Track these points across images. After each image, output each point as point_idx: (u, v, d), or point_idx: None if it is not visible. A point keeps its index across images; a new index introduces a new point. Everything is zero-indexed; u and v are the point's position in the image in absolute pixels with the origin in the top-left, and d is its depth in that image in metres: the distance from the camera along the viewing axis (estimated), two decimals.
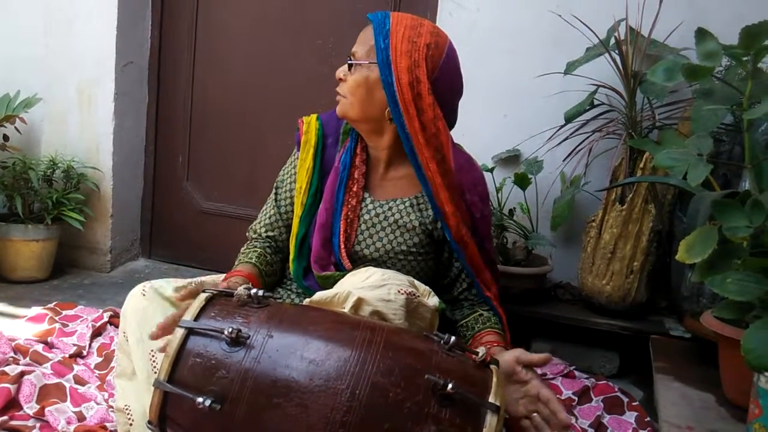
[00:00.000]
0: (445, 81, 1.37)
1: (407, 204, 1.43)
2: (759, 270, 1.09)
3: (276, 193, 1.52)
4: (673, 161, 1.14)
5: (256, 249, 1.47)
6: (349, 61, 1.37)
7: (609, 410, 1.68)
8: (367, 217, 1.43)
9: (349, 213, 1.41)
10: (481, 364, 1.06)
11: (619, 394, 1.74)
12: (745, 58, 1.10)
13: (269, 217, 1.52)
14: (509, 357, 1.21)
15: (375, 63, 1.34)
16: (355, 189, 1.43)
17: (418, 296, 1.22)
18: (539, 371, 1.83)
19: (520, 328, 1.97)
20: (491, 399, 0.98)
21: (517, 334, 1.96)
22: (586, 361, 1.93)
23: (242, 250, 1.50)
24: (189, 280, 1.34)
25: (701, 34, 1.15)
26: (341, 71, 1.39)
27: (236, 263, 1.46)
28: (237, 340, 0.99)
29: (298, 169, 1.47)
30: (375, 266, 1.39)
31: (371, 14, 1.40)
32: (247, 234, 1.55)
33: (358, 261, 1.42)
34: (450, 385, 0.94)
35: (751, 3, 1.86)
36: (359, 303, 1.16)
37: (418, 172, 1.39)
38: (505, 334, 1.44)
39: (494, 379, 1.02)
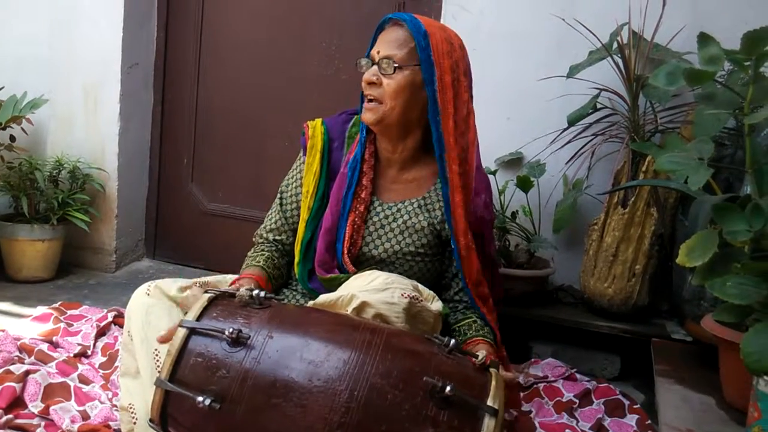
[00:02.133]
0: (471, 79, 1.43)
1: (415, 205, 1.44)
2: (759, 274, 1.09)
3: (281, 198, 1.53)
4: (674, 165, 1.15)
5: (263, 252, 1.48)
6: (395, 65, 1.34)
7: (610, 413, 1.68)
8: (375, 219, 1.44)
9: (356, 219, 1.42)
10: (480, 367, 1.06)
11: (620, 396, 1.74)
12: (746, 63, 1.11)
13: (275, 222, 1.53)
14: None
15: (418, 65, 1.35)
16: (363, 195, 1.44)
17: (422, 300, 1.23)
18: (541, 374, 1.84)
19: (522, 330, 1.97)
20: (489, 402, 0.98)
21: (519, 336, 1.97)
22: (588, 363, 1.93)
23: (249, 254, 1.51)
24: (193, 280, 1.35)
25: (704, 39, 1.16)
26: (372, 74, 1.36)
27: (244, 267, 1.46)
28: (238, 341, 1.00)
29: (305, 173, 1.48)
30: (383, 267, 1.40)
31: (394, 15, 1.40)
32: (253, 239, 1.56)
33: (366, 262, 1.43)
34: (448, 388, 0.95)
35: (754, 7, 1.86)
36: (363, 306, 1.17)
37: (441, 172, 1.40)
38: (497, 344, 1.44)
39: (493, 383, 1.02)
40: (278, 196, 1.54)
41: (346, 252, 1.40)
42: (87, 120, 2.50)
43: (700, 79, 1.09)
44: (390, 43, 1.36)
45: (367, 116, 1.38)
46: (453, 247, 1.42)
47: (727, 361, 1.34)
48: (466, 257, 1.41)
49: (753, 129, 1.51)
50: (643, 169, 1.82)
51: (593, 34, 1.89)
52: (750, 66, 1.08)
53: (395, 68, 1.34)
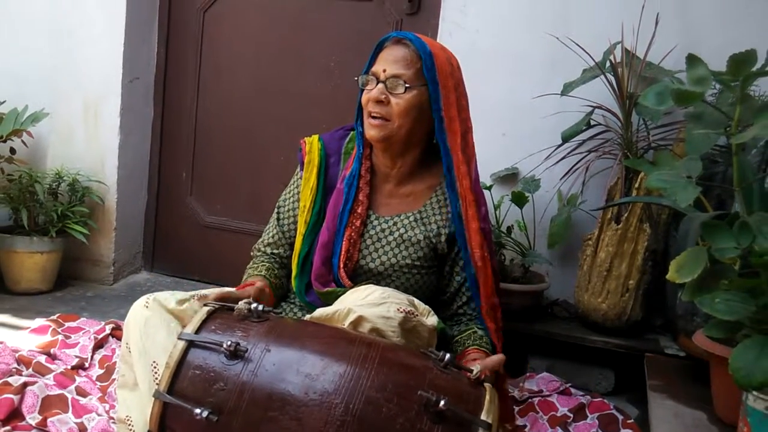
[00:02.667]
0: (467, 97, 1.47)
1: (411, 219, 1.46)
2: (747, 290, 1.11)
3: (279, 213, 1.56)
4: (664, 183, 1.17)
5: (264, 263, 1.50)
6: (405, 85, 1.36)
7: (604, 428, 1.69)
8: (372, 232, 1.46)
9: (353, 234, 1.44)
10: (475, 381, 1.08)
11: (614, 411, 1.75)
12: (733, 84, 1.13)
13: (272, 236, 1.55)
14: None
15: (424, 85, 1.38)
16: (359, 210, 1.46)
17: (417, 315, 1.24)
18: (536, 388, 1.85)
19: (517, 344, 1.99)
20: (483, 416, 1.00)
21: (515, 350, 1.97)
22: (582, 378, 1.95)
23: (249, 266, 1.52)
24: (192, 293, 1.36)
25: (692, 60, 1.19)
26: (380, 93, 1.38)
27: (245, 278, 1.48)
28: (235, 353, 1.01)
29: (302, 188, 1.51)
30: (379, 280, 1.42)
31: (397, 33, 1.43)
32: (251, 253, 1.58)
33: (363, 276, 1.45)
34: (442, 402, 0.96)
35: (744, 28, 1.90)
36: (359, 320, 1.18)
37: (450, 188, 1.43)
38: (496, 349, 1.45)
39: (487, 397, 1.04)
40: (276, 210, 1.57)
41: (342, 266, 1.42)
42: (87, 133, 2.52)
43: (688, 99, 1.11)
44: (397, 63, 1.38)
45: (373, 132, 1.39)
46: (465, 259, 1.44)
47: (718, 376, 1.35)
48: (482, 268, 1.44)
49: (743, 147, 1.55)
50: (636, 185, 1.84)
51: (587, 52, 1.93)
52: (737, 87, 1.11)
53: (405, 88, 1.37)
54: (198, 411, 0.97)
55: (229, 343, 1.01)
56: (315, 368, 0.99)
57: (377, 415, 0.95)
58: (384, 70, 1.38)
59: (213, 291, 1.44)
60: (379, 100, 1.37)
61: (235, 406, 0.98)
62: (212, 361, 1.02)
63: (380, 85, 1.38)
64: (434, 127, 1.41)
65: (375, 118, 1.39)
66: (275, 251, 1.54)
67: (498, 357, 1.24)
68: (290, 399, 0.96)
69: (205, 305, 1.13)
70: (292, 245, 1.52)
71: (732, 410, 1.23)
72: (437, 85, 1.38)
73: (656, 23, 1.90)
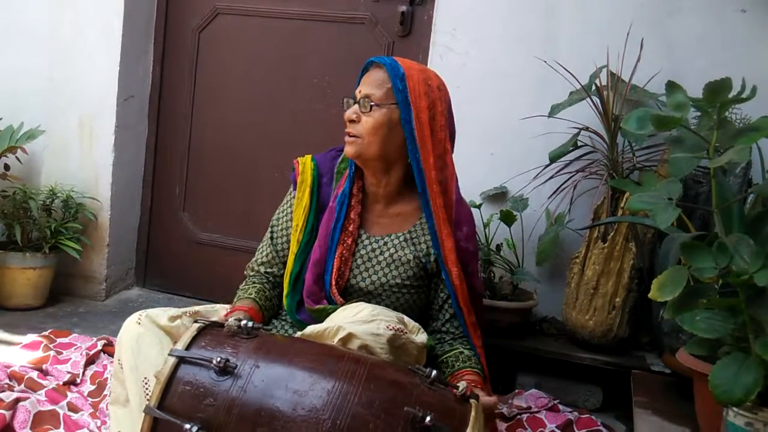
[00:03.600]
0: (451, 119, 1.51)
1: (401, 239, 1.49)
2: (726, 309, 1.14)
3: (272, 232, 1.58)
4: (645, 204, 1.21)
5: (255, 285, 1.52)
6: (371, 103, 1.42)
7: None
8: (363, 252, 1.49)
9: (344, 252, 1.47)
10: (461, 398, 1.10)
11: (601, 428, 1.77)
12: (710, 110, 1.18)
13: (266, 255, 1.57)
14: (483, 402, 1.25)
15: (395, 104, 1.43)
16: (351, 228, 1.49)
17: (406, 332, 1.27)
18: (524, 405, 1.87)
19: (505, 361, 2.01)
20: None
21: (503, 367, 2.00)
22: (570, 394, 1.97)
23: (241, 286, 1.55)
24: (184, 309, 1.38)
25: (671, 87, 1.23)
26: (352, 112, 1.45)
27: (236, 300, 1.50)
28: (225, 370, 1.03)
29: (295, 207, 1.54)
30: (370, 299, 1.45)
31: (376, 58, 1.49)
32: (245, 272, 1.60)
33: (354, 294, 1.47)
34: (428, 418, 0.98)
35: (727, 51, 1.95)
36: (349, 337, 1.21)
37: (425, 206, 1.47)
38: (485, 375, 1.48)
39: (473, 413, 1.06)
40: (269, 230, 1.59)
41: (334, 283, 1.45)
42: (82, 150, 2.54)
43: (668, 124, 1.15)
44: (370, 84, 1.45)
45: (348, 149, 1.46)
46: (444, 277, 1.47)
47: (700, 393, 1.38)
48: (459, 286, 1.47)
49: (724, 171, 1.59)
50: (622, 204, 1.88)
51: (573, 75, 1.97)
52: (713, 112, 1.15)
53: (371, 106, 1.43)
54: (188, 426, 0.99)
55: (218, 359, 1.03)
56: (303, 384, 1.01)
57: (364, 431, 0.97)
58: (360, 92, 1.46)
59: (205, 307, 1.46)
60: (351, 119, 1.45)
61: (224, 421, 0.99)
62: (202, 377, 1.04)
63: (355, 105, 1.45)
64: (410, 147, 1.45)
65: (349, 136, 1.45)
66: (269, 270, 1.56)
67: (492, 401, 1.27)
68: (278, 415, 0.98)
69: (195, 321, 1.15)
70: (285, 264, 1.55)
71: (714, 426, 1.25)
72: (408, 105, 1.42)
73: (641, 47, 1.95)
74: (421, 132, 1.43)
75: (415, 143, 1.43)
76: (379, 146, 1.44)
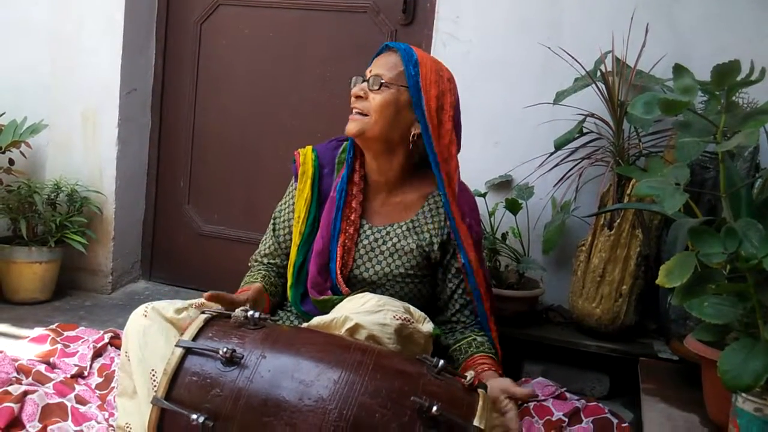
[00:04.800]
0: (458, 111, 1.50)
1: (404, 228, 1.49)
2: (734, 294, 1.13)
3: (274, 224, 1.58)
4: (652, 190, 1.19)
5: (260, 271, 1.53)
6: (381, 81, 1.42)
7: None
8: (366, 242, 1.48)
9: (346, 240, 1.47)
10: (468, 387, 1.09)
11: (609, 415, 1.76)
12: (718, 93, 1.16)
13: (268, 247, 1.57)
14: (496, 385, 1.26)
15: (405, 87, 1.43)
16: (352, 217, 1.48)
17: (413, 322, 1.27)
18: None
19: (512, 349, 2.00)
20: (476, 422, 1.01)
21: (510, 355, 1.99)
22: (577, 382, 1.96)
23: (246, 275, 1.55)
24: (190, 301, 1.38)
25: (678, 70, 1.21)
26: (359, 89, 1.45)
27: (242, 284, 1.51)
28: (231, 360, 1.03)
29: (296, 199, 1.53)
30: (374, 289, 1.45)
31: (391, 43, 1.50)
32: (249, 263, 1.60)
33: (357, 285, 1.47)
34: (435, 408, 0.98)
35: (732, 35, 1.93)
36: (356, 327, 1.21)
37: (440, 187, 1.47)
38: (498, 358, 1.48)
39: (480, 403, 1.05)
40: (272, 221, 1.59)
41: (339, 272, 1.44)
42: (85, 144, 2.54)
43: (675, 108, 1.14)
44: (382, 66, 1.46)
45: (351, 126, 1.45)
46: (464, 263, 1.47)
47: (708, 379, 1.37)
48: (478, 271, 1.48)
49: (731, 155, 1.57)
50: (628, 191, 1.86)
51: (578, 61, 1.95)
52: (721, 96, 1.14)
53: (381, 84, 1.43)
54: (194, 417, 0.99)
55: (225, 349, 1.03)
56: (309, 375, 1.01)
57: (370, 421, 0.97)
58: (370, 71, 1.46)
59: None
60: (358, 95, 1.45)
61: (231, 411, 0.99)
62: (209, 368, 1.04)
63: (363, 84, 1.46)
64: (414, 133, 1.46)
65: (353, 113, 1.45)
66: (272, 261, 1.56)
67: (528, 390, 1.28)
68: (285, 405, 0.98)
69: (202, 312, 1.15)
70: (288, 255, 1.54)
71: (723, 412, 1.25)
72: (419, 90, 1.42)
73: (646, 32, 1.93)
74: (431, 117, 1.44)
75: (428, 128, 1.44)
76: (383, 125, 1.43)
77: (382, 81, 1.43)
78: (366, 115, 1.44)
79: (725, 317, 1.12)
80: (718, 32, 1.95)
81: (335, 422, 0.96)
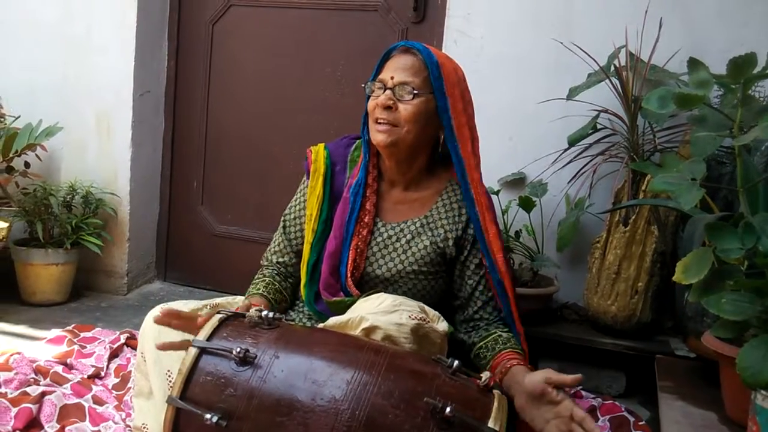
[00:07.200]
0: (473, 108, 1.49)
1: (418, 225, 1.48)
2: (753, 290, 1.12)
3: (284, 221, 1.58)
4: (668, 186, 1.18)
5: (264, 278, 1.52)
6: (414, 91, 1.38)
7: (615, 430, 1.69)
8: (379, 239, 1.47)
9: (359, 243, 1.46)
10: (484, 388, 1.08)
11: (625, 413, 1.75)
12: (734, 86, 1.14)
13: (278, 244, 1.57)
14: (539, 377, 1.21)
15: (431, 93, 1.40)
16: (366, 219, 1.47)
17: (429, 321, 1.26)
18: None
19: (527, 347, 1.99)
20: (491, 424, 1.00)
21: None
22: (593, 380, 1.95)
23: (253, 280, 1.55)
24: (205, 302, 1.39)
25: (693, 64, 1.20)
26: (388, 99, 1.39)
27: (247, 293, 1.51)
28: (245, 360, 1.03)
29: (308, 196, 1.53)
30: (387, 286, 1.44)
31: (407, 43, 1.45)
32: (261, 262, 1.60)
33: (371, 282, 1.46)
34: (448, 409, 0.97)
35: (748, 27, 1.91)
36: (372, 328, 1.20)
37: (466, 194, 1.46)
38: (525, 353, 1.47)
39: (495, 404, 1.04)
40: (282, 219, 1.59)
41: (349, 276, 1.44)
42: (100, 146, 2.56)
43: (690, 102, 1.12)
44: (405, 70, 1.40)
45: (380, 138, 1.40)
46: (489, 265, 1.45)
47: (727, 377, 1.35)
48: (505, 272, 1.47)
49: (747, 149, 1.55)
50: (643, 187, 1.85)
51: (591, 57, 1.94)
52: (738, 89, 1.12)
53: (414, 94, 1.38)
54: (208, 416, 0.99)
55: (239, 349, 1.03)
56: (323, 375, 1.00)
57: (383, 421, 0.96)
58: (392, 78, 1.40)
59: (226, 299, 1.47)
60: (387, 105, 1.39)
61: (245, 411, 0.99)
62: (223, 368, 1.04)
63: (388, 92, 1.40)
64: (438, 135, 1.44)
65: (382, 123, 1.40)
66: (280, 260, 1.56)
67: (577, 375, 1.20)
68: (298, 405, 0.98)
69: (217, 313, 1.15)
70: (297, 253, 1.54)
71: (742, 410, 1.23)
72: (445, 94, 1.40)
73: (660, 26, 1.90)
74: (458, 121, 1.42)
75: (453, 133, 1.42)
76: (415, 135, 1.41)
77: (414, 91, 1.38)
78: (396, 126, 1.40)
79: (743, 314, 1.10)
80: (733, 26, 1.93)
81: (348, 422, 0.95)
